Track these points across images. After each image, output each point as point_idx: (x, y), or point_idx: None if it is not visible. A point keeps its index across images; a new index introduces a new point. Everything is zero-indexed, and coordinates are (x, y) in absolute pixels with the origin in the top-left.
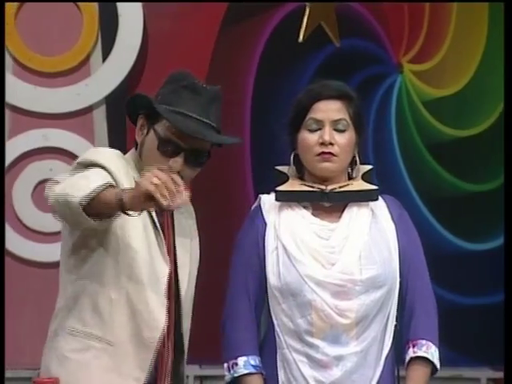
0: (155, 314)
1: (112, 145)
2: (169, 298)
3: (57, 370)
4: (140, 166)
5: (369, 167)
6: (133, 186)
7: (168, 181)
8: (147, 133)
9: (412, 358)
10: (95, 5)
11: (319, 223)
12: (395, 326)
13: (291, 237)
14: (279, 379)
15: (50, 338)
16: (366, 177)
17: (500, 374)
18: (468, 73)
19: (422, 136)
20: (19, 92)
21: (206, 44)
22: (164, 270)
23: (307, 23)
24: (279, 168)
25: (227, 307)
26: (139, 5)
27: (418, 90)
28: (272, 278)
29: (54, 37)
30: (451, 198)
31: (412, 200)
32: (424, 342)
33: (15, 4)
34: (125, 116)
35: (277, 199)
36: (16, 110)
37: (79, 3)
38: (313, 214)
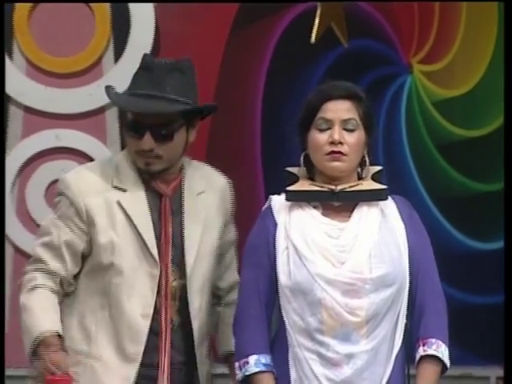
0: (137, 327)
1: (124, 145)
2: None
3: None
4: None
5: (378, 168)
6: (107, 192)
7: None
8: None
9: (422, 357)
10: (107, 6)
11: (329, 223)
12: (405, 324)
13: (301, 236)
14: (291, 377)
15: None
16: (375, 177)
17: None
18: (478, 73)
19: (432, 136)
20: (32, 93)
21: (216, 45)
22: (152, 276)
23: (319, 24)
24: (289, 169)
25: (238, 307)
26: (151, 6)
27: (428, 91)
28: (283, 277)
29: (66, 38)
30: (461, 197)
31: (422, 199)
32: (434, 340)
33: (28, 5)
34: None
35: (287, 199)
36: (29, 110)
37: (91, 4)
38: (323, 214)
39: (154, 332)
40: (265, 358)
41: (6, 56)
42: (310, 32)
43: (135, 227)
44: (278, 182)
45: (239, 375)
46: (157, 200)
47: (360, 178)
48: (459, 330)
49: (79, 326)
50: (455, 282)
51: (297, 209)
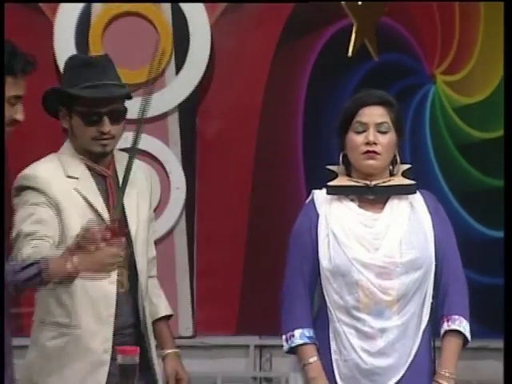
0: (106, 293)
1: (183, 145)
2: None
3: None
4: (76, 146)
5: (408, 166)
6: (63, 181)
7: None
8: (71, 117)
9: (446, 331)
10: (170, 26)
11: (364, 214)
12: (431, 303)
13: (340, 225)
14: (331, 349)
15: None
16: (405, 174)
17: None
18: (493, 82)
19: (453, 139)
20: None
21: (264, 59)
22: None
23: (355, 39)
24: (329, 167)
25: (285, 287)
26: (207, 26)
27: (449, 98)
28: (324, 261)
29: (134, 53)
30: (479, 192)
31: (445, 195)
32: (457, 317)
33: (101, 26)
34: (195, 120)
35: (328, 193)
36: None
37: (156, 24)
38: (359, 206)
39: (119, 296)
40: (308, 332)
41: None
42: (346, 47)
43: (96, 210)
44: (317, 180)
45: (286, 347)
46: (102, 182)
47: (391, 174)
48: (478, 308)
49: (57, 302)
50: (475, 266)
51: (336, 201)
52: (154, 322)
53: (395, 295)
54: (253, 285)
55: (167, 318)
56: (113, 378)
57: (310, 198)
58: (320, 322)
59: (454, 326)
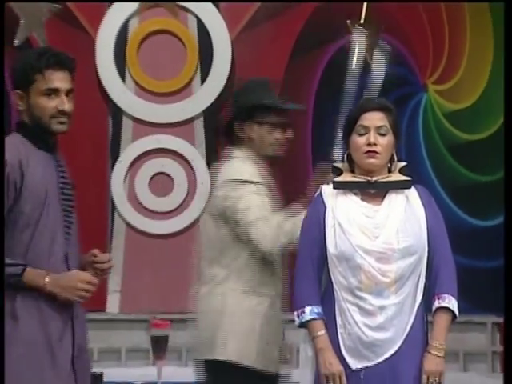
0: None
1: (208, 146)
2: None
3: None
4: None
5: (404, 163)
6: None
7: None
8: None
9: (437, 308)
10: (196, 41)
11: (366, 206)
12: (424, 284)
13: (345, 216)
14: (337, 324)
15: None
16: (401, 171)
17: (502, 320)
18: (478, 90)
19: (443, 140)
20: (139, 107)
21: (278, 70)
22: None
23: (358, 54)
24: (335, 164)
25: (297, 270)
26: (229, 41)
27: (440, 105)
28: (330, 248)
29: (165, 66)
30: (467, 187)
31: (436, 190)
32: (446, 295)
33: (137, 42)
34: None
35: (334, 187)
36: (137, 120)
37: (184, 40)
38: (361, 199)
39: None
40: (317, 309)
41: (120, 80)
42: (350, 60)
43: None
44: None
45: (297, 321)
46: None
47: (390, 171)
48: (465, 287)
49: (261, 278)
50: (463, 251)
51: (341, 195)
52: None
53: (393, 277)
54: None
55: None
56: None
57: (318, 192)
58: (327, 300)
59: (444, 304)
